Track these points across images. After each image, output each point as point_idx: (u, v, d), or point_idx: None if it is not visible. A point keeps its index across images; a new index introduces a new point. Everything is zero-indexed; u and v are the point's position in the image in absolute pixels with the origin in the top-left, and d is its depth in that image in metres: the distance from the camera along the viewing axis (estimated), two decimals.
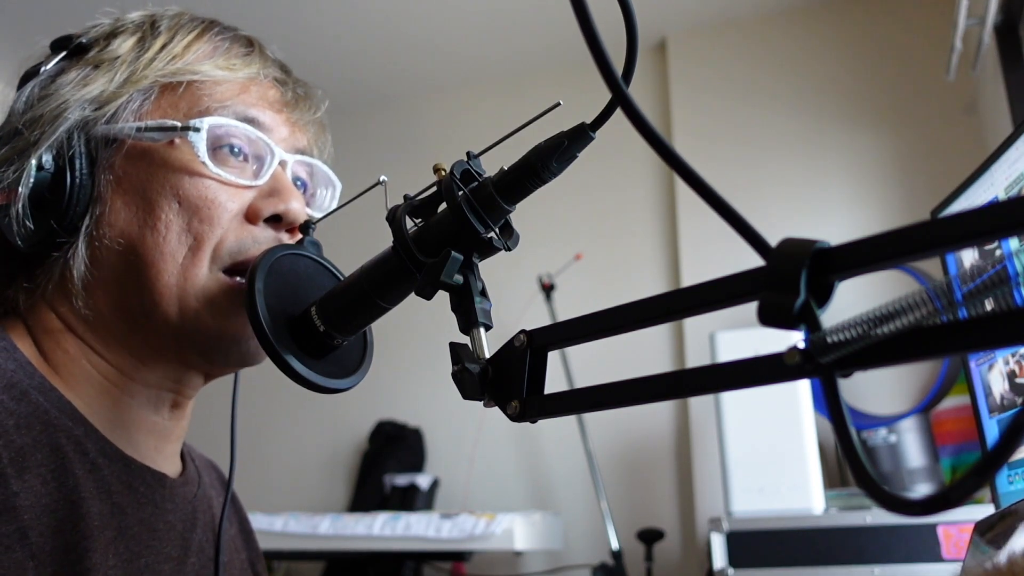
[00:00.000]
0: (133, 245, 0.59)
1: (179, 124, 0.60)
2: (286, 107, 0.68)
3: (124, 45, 0.63)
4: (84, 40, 0.64)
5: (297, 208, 0.63)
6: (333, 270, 0.62)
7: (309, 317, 0.55)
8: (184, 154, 0.61)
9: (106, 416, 0.60)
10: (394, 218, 0.50)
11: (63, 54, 0.63)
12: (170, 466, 0.66)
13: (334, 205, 0.72)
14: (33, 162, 0.58)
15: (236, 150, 0.63)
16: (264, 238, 0.62)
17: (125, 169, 0.61)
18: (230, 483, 0.72)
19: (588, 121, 0.44)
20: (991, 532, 0.56)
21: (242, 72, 0.65)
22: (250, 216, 0.62)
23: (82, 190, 0.59)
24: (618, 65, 0.38)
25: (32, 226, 0.58)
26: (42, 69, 0.63)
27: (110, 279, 0.60)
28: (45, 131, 0.59)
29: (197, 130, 0.60)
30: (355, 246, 1.22)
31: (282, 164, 0.65)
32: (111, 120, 0.61)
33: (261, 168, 0.64)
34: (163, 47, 0.63)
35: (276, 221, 0.63)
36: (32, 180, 0.58)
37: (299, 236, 0.63)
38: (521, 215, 0.47)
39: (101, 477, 0.56)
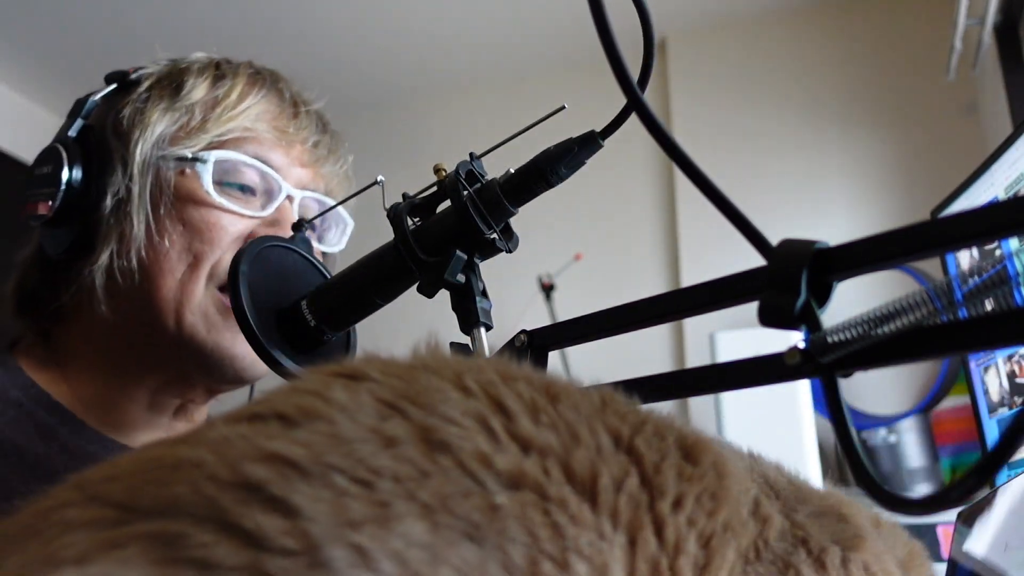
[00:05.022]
0: (141, 260, 0.64)
1: (189, 155, 0.65)
2: (316, 163, 0.72)
3: (197, 92, 0.67)
4: (152, 79, 0.68)
5: None
6: (321, 269, 0.61)
7: (299, 311, 0.53)
8: (192, 182, 0.65)
9: (102, 416, 0.66)
10: (396, 215, 0.49)
11: (114, 86, 0.69)
12: None
13: (344, 242, 0.76)
14: (111, 185, 0.64)
15: (244, 183, 0.67)
16: None
17: (151, 193, 0.65)
18: None
19: (588, 122, 0.44)
20: (967, 513, 0.57)
21: (291, 134, 0.70)
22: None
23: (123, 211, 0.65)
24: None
25: (64, 239, 0.65)
26: (97, 97, 0.69)
27: (122, 291, 0.64)
28: (125, 159, 0.65)
29: (204, 162, 0.65)
30: (354, 246, 1.21)
31: (290, 199, 0.69)
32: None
33: (269, 201, 0.68)
34: (225, 108, 0.67)
35: None
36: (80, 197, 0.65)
37: None
38: (521, 215, 0.47)
39: (69, 451, 0.62)
